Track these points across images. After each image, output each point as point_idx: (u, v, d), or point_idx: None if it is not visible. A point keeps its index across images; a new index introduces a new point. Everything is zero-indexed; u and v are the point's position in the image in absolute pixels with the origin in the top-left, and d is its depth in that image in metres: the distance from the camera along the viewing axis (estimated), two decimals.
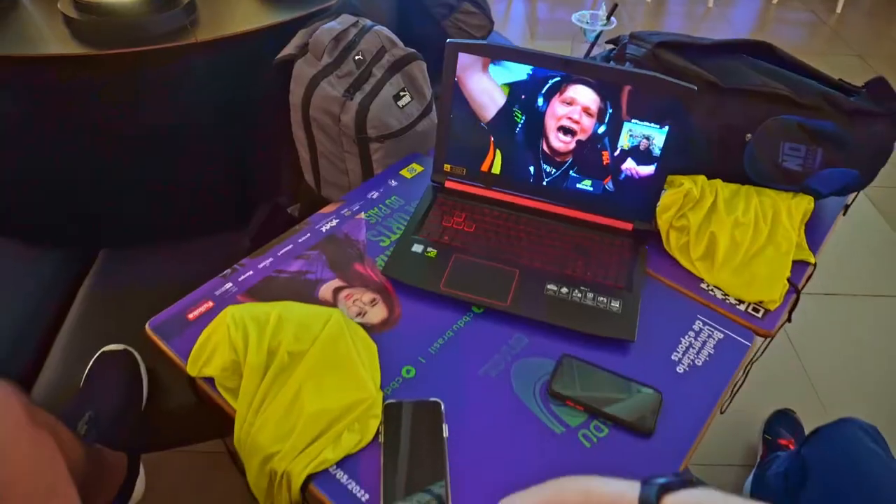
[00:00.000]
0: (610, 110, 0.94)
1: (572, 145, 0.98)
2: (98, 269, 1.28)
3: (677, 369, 0.85)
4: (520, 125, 0.99)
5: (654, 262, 0.99)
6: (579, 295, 0.91)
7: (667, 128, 0.93)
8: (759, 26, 3.60)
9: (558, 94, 0.95)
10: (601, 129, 0.96)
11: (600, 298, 0.91)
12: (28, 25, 1.23)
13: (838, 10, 3.72)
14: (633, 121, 0.94)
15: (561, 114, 0.97)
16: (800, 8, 3.79)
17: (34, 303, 1.20)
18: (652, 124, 0.93)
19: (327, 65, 1.12)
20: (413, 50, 1.19)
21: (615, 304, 0.90)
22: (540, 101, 0.96)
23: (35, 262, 1.28)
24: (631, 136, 0.95)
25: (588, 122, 0.96)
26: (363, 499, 0.70)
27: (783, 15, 3.72)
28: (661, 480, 0.49)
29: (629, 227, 1.02)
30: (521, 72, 0.95)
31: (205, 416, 1.06)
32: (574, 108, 0.96)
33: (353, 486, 0.71)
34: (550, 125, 0.98)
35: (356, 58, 1.14)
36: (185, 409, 1.07)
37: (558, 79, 0.94)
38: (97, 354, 1.06)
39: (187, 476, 1.31)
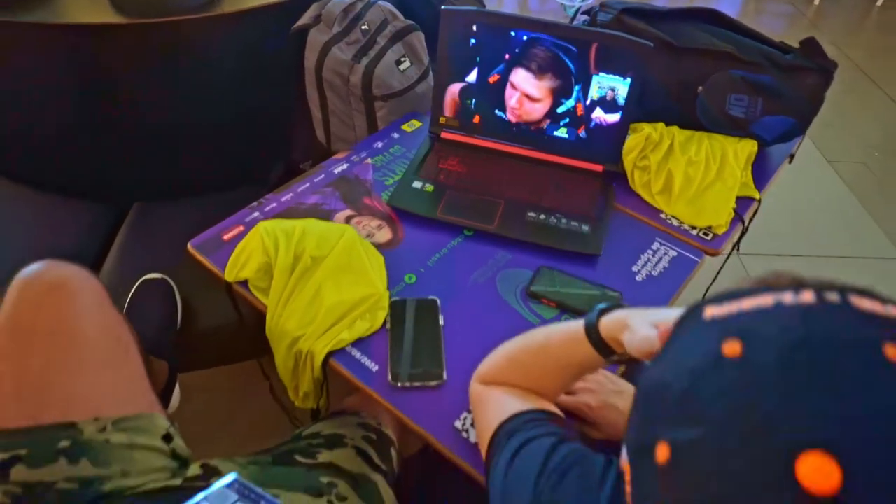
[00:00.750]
0: (575, 71, 1.11)
1: (527, 118, 1.15)
2: (132, 220, 1.43)
3: (636, 278, 1.01)
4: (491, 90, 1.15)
5: (620, 198, 1.15)
6: (555, 220, 1.07)
7: (629, 79, 1.09)
8: (741, 17, 3.77)
9: (512, 74, 1.14)
10: (572, 102, 1.12)
11: (573, 223, 1.07)
12: None
13: (816, 2, 3.89)
14: (601, 74, 1.10)
15: (509, 95, 1.15)
16: (780, 0, 3.97)
17: (77, 244, 1.35)
18: (616, 76, 1.09)
19: (337, 33, 1.28)
20: (412, 22, 1.35)
21: (586, 227, 1.06)
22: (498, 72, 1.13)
23: (76, 212, 1.43)
24: (599, 87, 1.11)
25: (530, 106, 1.14)
26: (374, 370, 0.86)
27: (764, 6, 3.90)
28: (601, 306, 0.65)
29: (600, 168, 1.18)
30: (497, 41, 1.11)
31: (229, 339, 1.22)
32: (516, 94, 1.14)
33: (366, 361, 0.87)
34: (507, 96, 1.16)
35: (363, 27, 1.30)
36: (214, 331, 1.22)
37: (515, 54, 1.11)
38: (137, 283, 1.21)
39: (220, 393, 1.47)
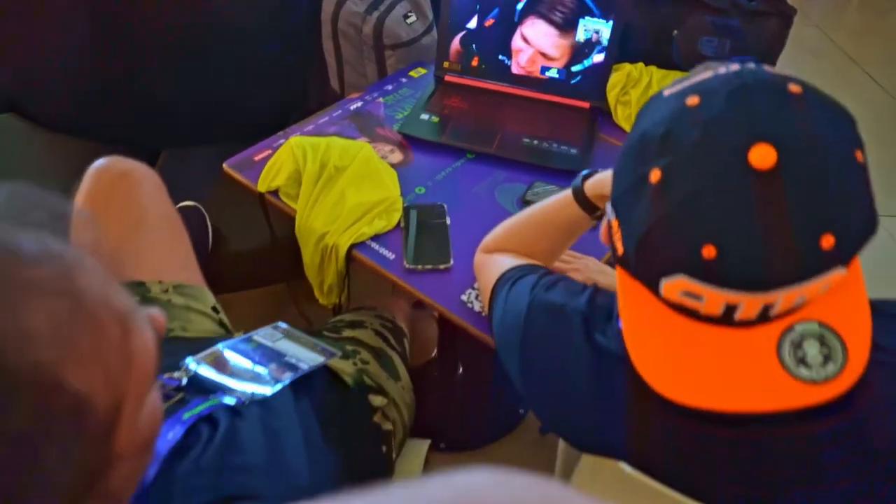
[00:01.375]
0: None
1: (532, 68, 1.30)
2: (162, 163, 1.57)
3: None
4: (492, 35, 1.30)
5: (605, 130, 1.30)
6: (547, 145, 1.21)
7: (611, 21, 1.24)
8: None
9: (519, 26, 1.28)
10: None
11: (563, 147, 1.21)
12: None
13: None
14: (586, 17, 1.24)
15: (518, 49, 1.30)
16: None
17: None
18: (600, 19, 1.24)
19: None
20: None
21: (574, 150, 1.20)
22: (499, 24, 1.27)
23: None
24: (585, 30, 1.26)
25: (536, 60, 1.29)
26: (391, 258, 1.00)
27: None
28: (584, 172, 0.79)
29: (587, 105, 1.32)
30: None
31: (259, 261, 1.36)
32: (530, 50, 1.29)
33: (384, 251, 1.01)
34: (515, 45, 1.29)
35: None
36: (245, 254, 1.36)
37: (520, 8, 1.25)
38: None
39: (248, 319, 1.61)
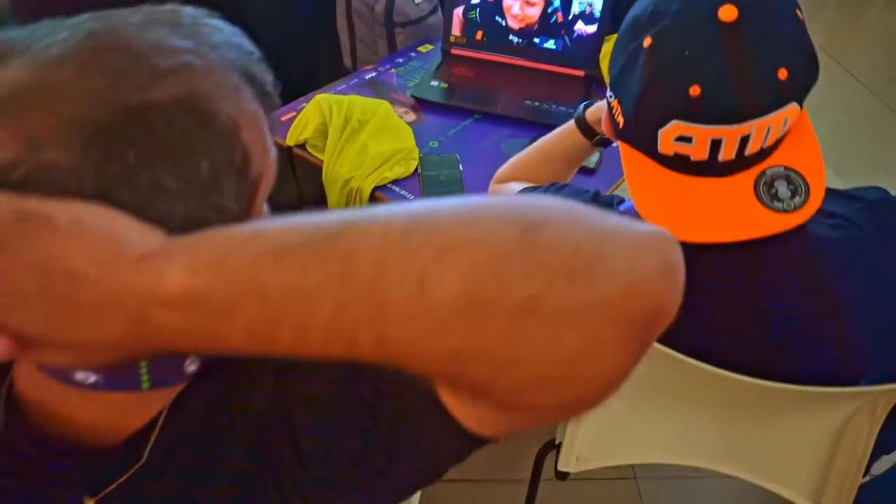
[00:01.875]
0: None
1: (527, 20, 1.42)
2: None
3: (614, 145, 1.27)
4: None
5: (600, 94, 1.42)
6: (547, 106, 1.34)
7: None
8: None
9: None
10: (557, 1, 1.39)
11: (562, 107, 1.33)
12: None
13: None
14: None
15: (509, 5, 1.42)
16: None
17: None
18: None
19: None
20: None
21: (572, 110, 1.32)
22: None
23: None
24: (580, 3, 1.39)
25: (526, 9, 1.41)
26: (410, 198, 1.12)
27: None
28: (585, 103, 0.91)
29: (581, 73, 1.45)
30: None
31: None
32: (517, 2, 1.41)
33: (404, 193, 1.13)
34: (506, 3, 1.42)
35: None
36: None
37: None
38: None
39: None
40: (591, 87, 1.42)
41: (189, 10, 0.41)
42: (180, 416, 0.44)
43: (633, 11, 0.70)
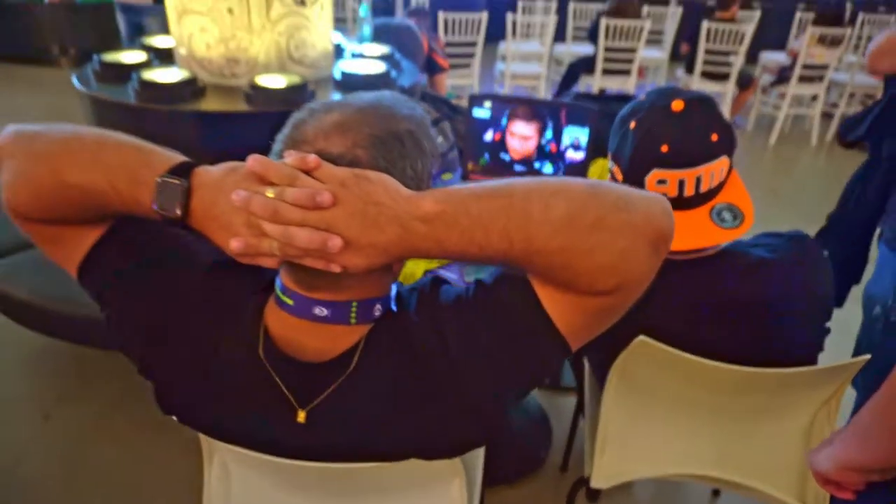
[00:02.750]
0: (552, 125, 1.79)
1: (525, 152, 1.82)
2: None
3: None
4: (494, 143, 1.83)
5: None
6: None
7: (587, 128, 1.78)
8: None
9: (509, 126, 1.82)
10: (550, 136, 1.80)
11: None
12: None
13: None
14: (569, 126, 1.79)
15: (510, 136, 1.84)
16: None
17: None
18: (579, 127, 1.78)
19: None
20: (439, 115, 2.05)
21: None
22: (492, 134, 1.81)
23: None
24: (569, 136, 1.79)
25: (523, 144, 1.82)
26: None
27: None
28: None
29: None
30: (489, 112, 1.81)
31: None
32: (514, 138, 1.83)
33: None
34: (508, 142, 1.84)
35: None
36: None
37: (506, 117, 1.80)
38: None
39: None
40: None
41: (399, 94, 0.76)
42: (373, 340, 0.72)
43: (620, 113, 1.07)
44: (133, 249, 0.77)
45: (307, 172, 0.63)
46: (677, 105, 0.99)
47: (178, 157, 0.69)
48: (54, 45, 5.61)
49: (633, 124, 1.02)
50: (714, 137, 0.99)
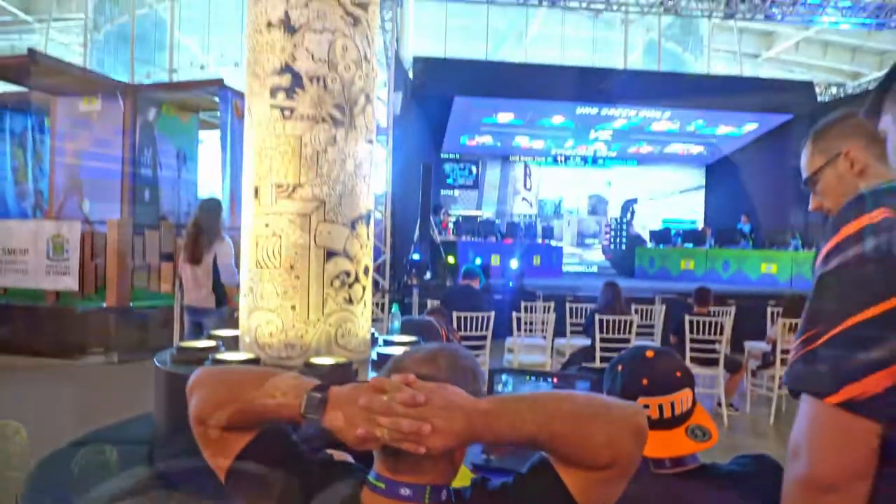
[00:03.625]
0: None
1: None
2: None
3: None
4: None
5: None
6: None
7: (588, 384, 2.13)
8: None
9: None
10: None
11: None
12: None
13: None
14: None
15: None
16: None
17: None
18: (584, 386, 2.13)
19: None
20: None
21: None
22: None
23: None
24: None
25: None
26: None
27: None
28: None
29: None
30: None
31: None
32: None
33: None
34: None
35: None
36: None
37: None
38: None
39: None
40: None
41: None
42: None
43: (610, 363, 1.44)
44: (271, 457, 1.09)
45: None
46: (650, 353, 1.38)
47: (315, 381, 1.05)
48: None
49: (620, 367, 1.40)
50: (678, 374, 1.36)
